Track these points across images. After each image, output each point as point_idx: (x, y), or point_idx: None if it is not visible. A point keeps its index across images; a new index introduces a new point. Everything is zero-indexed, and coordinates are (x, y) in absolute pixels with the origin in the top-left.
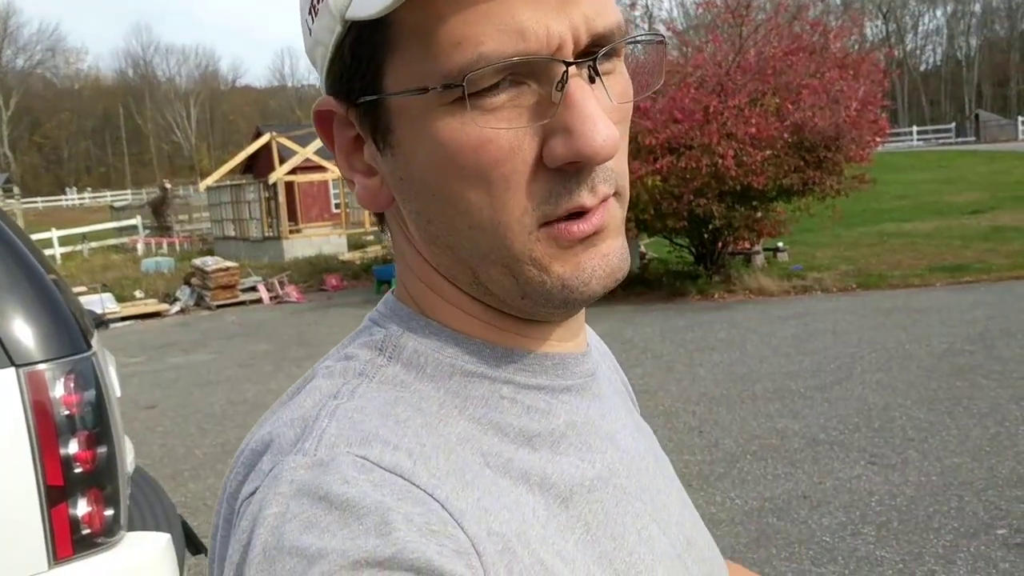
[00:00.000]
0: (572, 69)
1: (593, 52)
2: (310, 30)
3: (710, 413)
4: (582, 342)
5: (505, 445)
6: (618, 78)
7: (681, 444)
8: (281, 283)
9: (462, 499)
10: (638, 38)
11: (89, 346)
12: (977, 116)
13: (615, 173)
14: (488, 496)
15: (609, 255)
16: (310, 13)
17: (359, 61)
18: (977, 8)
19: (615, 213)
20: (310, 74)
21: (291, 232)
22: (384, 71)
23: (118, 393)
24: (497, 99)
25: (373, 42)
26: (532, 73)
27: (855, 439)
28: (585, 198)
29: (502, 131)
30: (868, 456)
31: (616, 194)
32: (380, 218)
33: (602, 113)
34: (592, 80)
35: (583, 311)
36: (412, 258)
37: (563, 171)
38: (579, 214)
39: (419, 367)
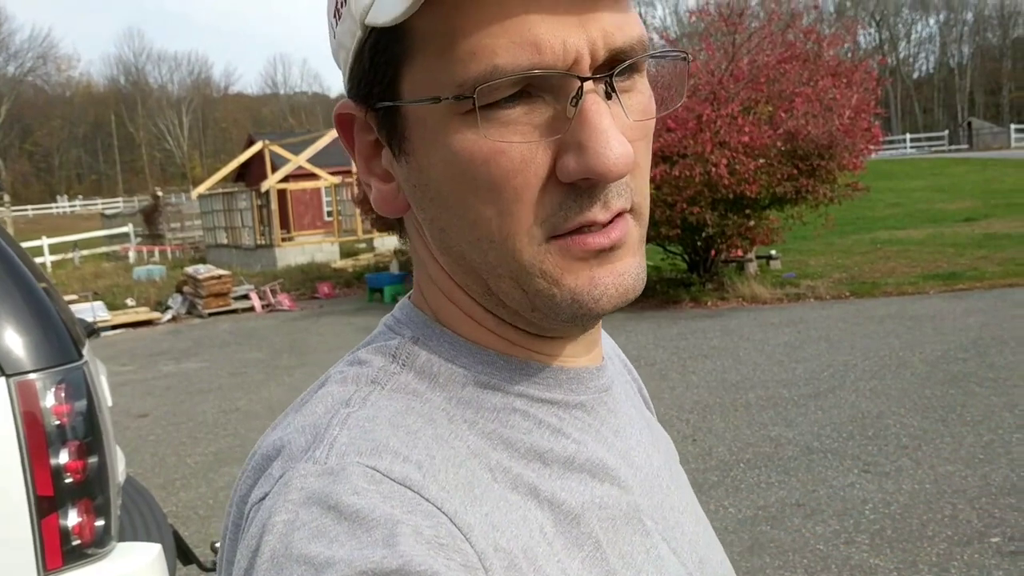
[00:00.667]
0: (588, 84)
1: (612, 67)
2: (334, 33)
3: (703, 421)
4: (598, 355)
5: (515, 460)
6: (638, 95)
7: None
8: (273, 291)
9: (470, 513)
10: (659, 54)
11: (81, 355)
12: (970, 124)
13: (630, 188)
14: (496, 511)
15: (625, 274)
16: (335, 16)
17: (377, 67)
18: (969, 16)
19: (632, 231)
20: (302, 82)
21: (283, 240)
22: (401, 78)
23: (109, 402)
24: (512, 112)
25: (391, 48)
26: (548, 87)
27: (849, 447)
28: (597, 214)
29: (515, 144)
30: (862, 464)
31: (632, 210)
32: (400, 223)
33: (616, 130)
34: (609, 96)
35: (599, 324)
36: (430, 264)
37: (576, 186)
38: (591, 228)
39: (432, 376)
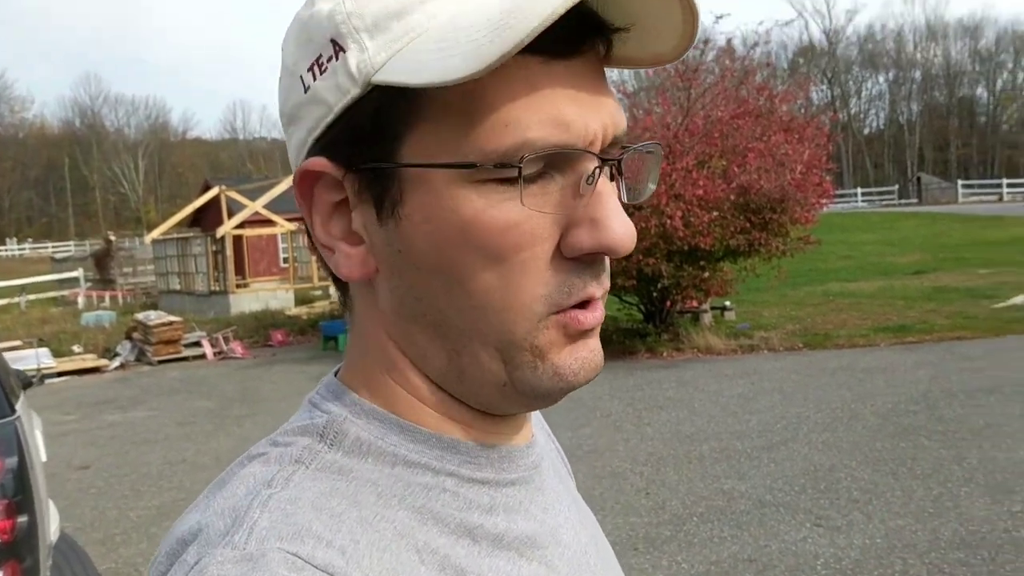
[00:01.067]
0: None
1: (610, 150)
2: (305, 87)
3: (657, 474)
4: (528, 431)
5: (443, 539)
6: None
7: (628, 506)
8: (226, 338)
9: None
10: (647, 146)
11: (13, 410)
12: (919, 179)
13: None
14: None
15: (596, 351)
16: (311, 70)
17: (379, 127)
18: (917, 75)
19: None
20: (261, 127)
21: (238, 286)
22: (404, 140)
23: (43, 458)
24: (531, 186)
25: (399, 109)
26: (564, 164)
27: (801, 501)
28: (595, 290)
29: (534, 215)
30: (814, 518)
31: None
32: (343, 290)
33: (622, 208)
34: (612, 177)
35: None
36: (373, 335)
37: (579, 261)
38: (584, 305)
39: (361, 455)
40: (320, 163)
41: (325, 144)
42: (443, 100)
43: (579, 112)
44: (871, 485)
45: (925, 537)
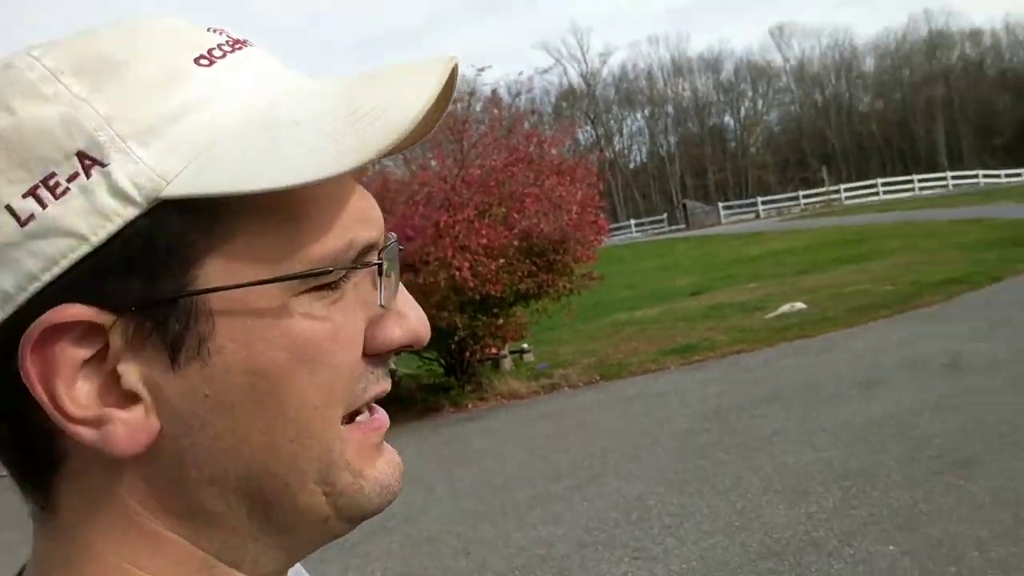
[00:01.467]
0: None
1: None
2: (21, 219)
3: (475, 532)
4: None
5: None
6: None
7: (448, 571)
8: None
9: None
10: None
11: None
12: (684, 205)
13: None
14: None
15: (395, 451)
16: (32, 195)
17: (170, 251)
18: (670, 109)
19: None
20: None
21: None
22: (205, 261)
23: None
24: (346, 285)
25: (197, 226)
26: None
27: (617, 535)
28: (387, 383)
29: (352, 316)
30: (631, 551)
31: None
32: (39, 479)
33: None
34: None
35: None
36: (115, 523)
37: (376, 357)
38: (371, 407)
39: None
40: (75, 311)
41: (68, 286)
42: (257, 208)
43: (372, 205)
44: (680, 508)
45: (735, 552)
